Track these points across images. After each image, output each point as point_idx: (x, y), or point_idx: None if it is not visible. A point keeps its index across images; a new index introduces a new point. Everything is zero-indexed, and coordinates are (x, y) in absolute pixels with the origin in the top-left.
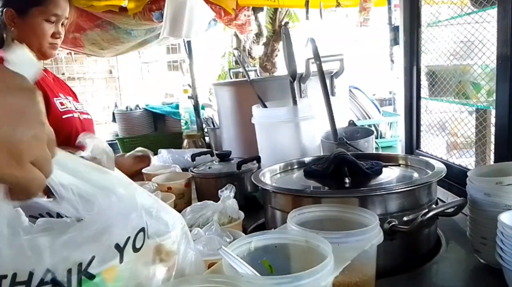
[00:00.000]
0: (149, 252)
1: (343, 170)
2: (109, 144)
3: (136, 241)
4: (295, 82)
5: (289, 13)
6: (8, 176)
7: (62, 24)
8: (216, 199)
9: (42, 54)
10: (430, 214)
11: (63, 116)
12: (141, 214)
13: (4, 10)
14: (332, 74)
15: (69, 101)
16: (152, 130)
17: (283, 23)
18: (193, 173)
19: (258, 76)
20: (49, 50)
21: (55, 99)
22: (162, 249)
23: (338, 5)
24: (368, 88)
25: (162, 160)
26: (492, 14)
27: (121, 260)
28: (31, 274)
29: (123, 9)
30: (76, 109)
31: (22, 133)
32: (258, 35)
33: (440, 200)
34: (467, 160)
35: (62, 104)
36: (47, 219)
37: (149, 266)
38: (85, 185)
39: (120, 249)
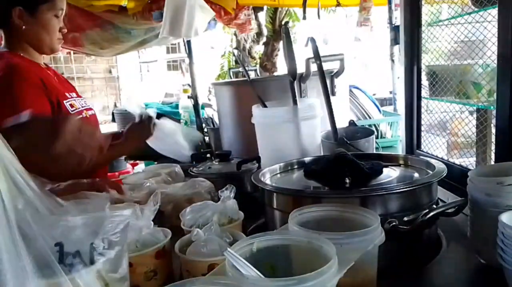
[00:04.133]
0: None
1: (343, 170)
2: None
3: None
4: (295, 82)
5: (289, 13)
6: None
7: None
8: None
9: (51, 50)
10: (431, 214)
11: None
12: None
13: (13, 9)
14: (332, 74)
15: (75, 100)
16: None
17: (283, 23)
18: (193, 173)
19: (258, 76)
20: (57, 45)
21: (65, 101)
22: None
23: (338, 4)
24: (368, 88)
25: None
26: (493, 13)
27: None
28: None
29: (122, 9)
30: (82, 106)
31: None
32: (258, 34)
33: (441, 200)
34: (467, 160)
35: (72, 105)
36: None
37: None
38: None
39: None
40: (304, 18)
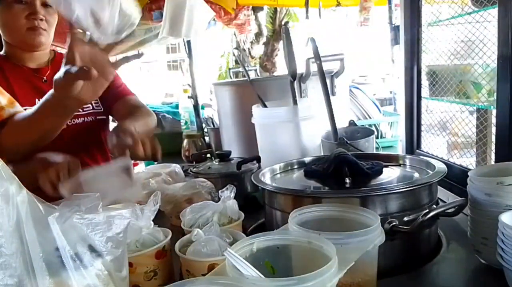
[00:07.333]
0: None
1: (343, 170)
2: None
3: None
4: (295, 82)
5: (289, 13)
6: None
7: (46, 5)
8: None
9: (24, 43)
10: (431, 214)
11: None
12: None
13: None
14: (332, 74)
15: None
16: None
17: (283, 23)
18: (193, 173)
19: (258, 76)
20: (28, 35)
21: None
22: None
23: (338, 4)
24: (368, 88)
25: None
26: (493, 13)
27: None
28: None
29: None
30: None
31: None
32: (258, 34)
33: (441, 200)
34: (468, 160)
35: None
36: None
37: None
38: None
39: None
40: (307, 17)
